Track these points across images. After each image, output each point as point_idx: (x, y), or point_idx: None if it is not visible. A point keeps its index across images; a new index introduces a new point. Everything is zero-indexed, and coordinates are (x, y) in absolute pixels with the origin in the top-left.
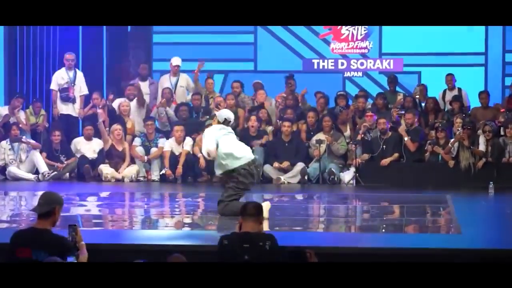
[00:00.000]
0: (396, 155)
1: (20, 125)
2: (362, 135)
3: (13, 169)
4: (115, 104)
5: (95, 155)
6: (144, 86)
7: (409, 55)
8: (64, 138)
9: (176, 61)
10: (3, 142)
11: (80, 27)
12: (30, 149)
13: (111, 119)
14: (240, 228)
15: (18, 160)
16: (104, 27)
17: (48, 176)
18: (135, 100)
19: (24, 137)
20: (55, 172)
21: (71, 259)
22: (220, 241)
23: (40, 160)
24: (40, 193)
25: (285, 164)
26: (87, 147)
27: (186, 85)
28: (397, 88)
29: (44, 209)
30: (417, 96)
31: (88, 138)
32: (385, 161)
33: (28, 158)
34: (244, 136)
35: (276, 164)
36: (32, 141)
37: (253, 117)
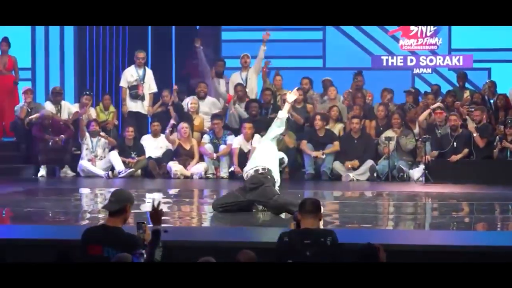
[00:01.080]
0: (466, 151)
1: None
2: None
3: (85, 163)
4: (184, 102)
5: (161, 151)
6: (222, 84)
7: (478, 50)
8: (136, 135)
9: (244, 53)
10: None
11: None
12: (106, 147)
13: (179, 116)
14: (297, 226)
15: (93, 155)
16: (174, 27)
17: (123, 174)
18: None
19: (102, 132)
20: (130, 170)
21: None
22: (280, 238)
23: (117, 159)
24: (111, 189)
25: (355, 163)
26: (154, 144)
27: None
28: (467, 85)
29: (115, 207)
30: (486, 93)
31: (155, 135)
32: (455, 158)
33: (106, 158)
34: (312, 137)
35: (347, 165)
36: (110, 138)
37: (317, 116)
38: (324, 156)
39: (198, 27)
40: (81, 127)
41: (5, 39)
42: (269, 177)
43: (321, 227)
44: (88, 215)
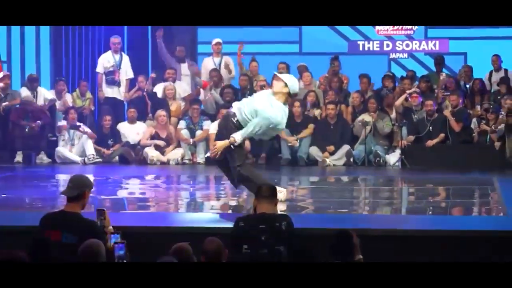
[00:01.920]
0: (442, 135)
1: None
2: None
3: (61, 150)
4: (159, 88)
5: (138, 137)
6: (184, 68)
7: (455, 39)
8: (113, 123)
9: (216, 40)
10: (63, 123)
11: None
12: (85, 138)
13: (154, 103)
14: (254, 210)
15: (70, 144)
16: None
17: (92, 160)
18: (179, 82)
19: (82, 125)
20: (100, 159)
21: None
22: (236, 223)
23: (89, 145)
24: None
25: (331, 148)
26: (131, 130)
27: (228, 66)
28: (444, 70)
29: (74, 193)
30: (462, 78)
31: (132, 121)
32: (431, 142)
33: (79, 142)
34: (289, 122)
35: (326, 153)
36: (89, 131)
37: (296, 103)
38: (298, 143)
39: None
40: (59, 127)
41: None
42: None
43: (278, 212)
44: (63, 201)
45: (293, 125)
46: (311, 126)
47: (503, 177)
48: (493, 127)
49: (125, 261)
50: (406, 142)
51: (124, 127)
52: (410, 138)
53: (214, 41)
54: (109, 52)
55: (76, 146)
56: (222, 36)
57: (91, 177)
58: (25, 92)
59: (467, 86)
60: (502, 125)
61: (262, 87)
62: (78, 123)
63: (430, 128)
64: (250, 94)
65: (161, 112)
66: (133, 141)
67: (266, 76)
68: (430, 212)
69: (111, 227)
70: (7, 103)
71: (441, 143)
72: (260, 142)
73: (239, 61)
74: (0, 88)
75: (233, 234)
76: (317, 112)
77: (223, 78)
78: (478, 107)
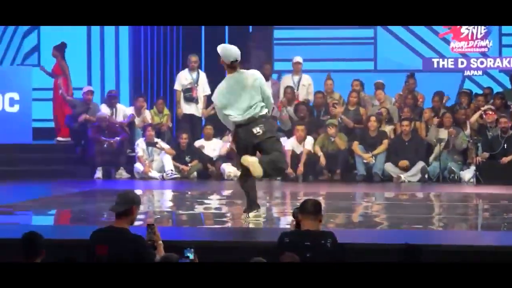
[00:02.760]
0: None
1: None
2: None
3: (140, 166)
4: None
5: (215, 154)
6: (268, 86)
7: None
8: (190, 139)
9: (297, 58)
10: (141, 140)
11: (203, 27)
12: (163, 154)
13: None
14: (297, 225)
15: (149, 160)
16: (226, 27)
17: (171, 175)
18: None
19: (159, 141)
20: (178, 175)
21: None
22: (280, 238)
23: (168, 160)
24: (165, 191)
25: (404, 163)
26: (208, 147)
27: (308, 84)
28: None
29: (122, 208)
30: None
31: (208, 138)
32: (506, 159)
33: (158, 158)
34: (363, 136)
35: (401, 166)
36: (167, 147)
37: (372, 118)
38: (373, 160)
39: (250, 29)
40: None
41: (55, 47)
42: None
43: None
44: (142, 216)
45: (368, 140)
46: (385, 142)
47: None
48: None
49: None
50: (481, 159)
51: (200, 144)
52: (484, 155)
53: (294, 60)
54: (186, 70)
55: (155, 162)
56: (298, 53)
57: (169, 193)
58: (104, 109)
59: None
60: None
61: (334, 105)
62: (156, 140)
63: (505, 145)
64: (325, 112)
65: None
66: (211, 156)
67: (341, 93)
68: (504, 228)
69: (161, 242)
70: (87, 116)
71: None
72: (334, 159)
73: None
74: (84, 101)
75: (278, 248)
76: (388, 128)
77: (301, 95)
78: None
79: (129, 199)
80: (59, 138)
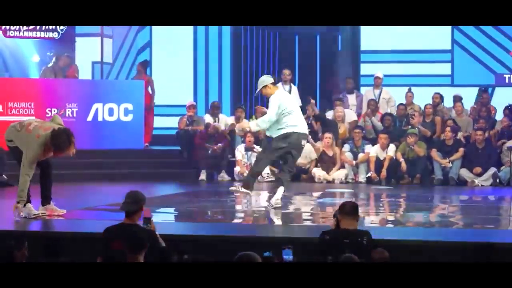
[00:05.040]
0: None
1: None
2: None
3: (238, 169)
4: (329, 113)
5: (308, 160)
6: (351, 99)
7: None
8: None
9: (378, 74)
10: (241, 146)
11: (296, 45)
12: None
13: (324, 125)
14: (337, 225)
15: (248, 164)
16: (318, 47)
17: (267, 178)
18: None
19: (256, 147)
20: (273, 178)
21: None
22: (321, 235)
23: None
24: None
25: (478, 170)
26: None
27: (388, 97)
28: None
29: (133, 208)
30: None
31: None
32: None
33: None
34: (441, 146)
35: (475, 172)
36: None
37: (448, 128)
38: (450, 165)
39: (339, 48)
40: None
41: (140, 63)
42: None
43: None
44: (241, 214)
45: (445, 148)
46: (461, 150)
47: None
48: None
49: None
50: None
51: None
52: None
53: (375, 75)
54: (280, 83)
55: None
56: (381, 69)
57: (265, 193)
58: (208, 119)
59: None
60: None
61: (412, 116)
62: (253, 145)
63: None
64: (406, 122)
65: (327, 134)
66: (302, 164)
67: (420, 104)
68: None
69: (157, 234)
70: (193, 127)
71: None
72: (414, 165)
73: None
74: (188, 116)
75: (319, 245)
76: (459, 134)
77: (381, 107)
78: None
79: (138, 198)
80: (147, 144)
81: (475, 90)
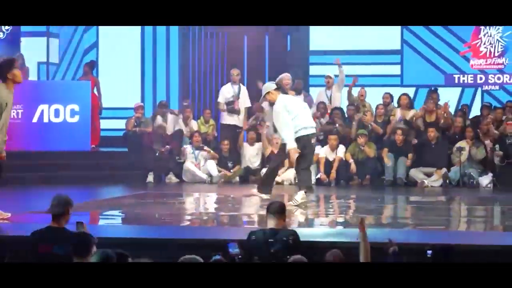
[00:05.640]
0: None
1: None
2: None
3: (189, 165)
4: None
5: (258, 158)
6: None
7: None
8: (231, 146)
9: (329, 73)
10: (188, 147)
11: (245, 45)
12: (207, 158)
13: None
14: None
15: (197, 163)
16: (267, 46)
17: (218, 180)
18: None
19: (205, 146)
20: (222, 179)
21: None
22: (248, 236)
23: (213, 166)
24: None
25: (431, 170)
26: (251, 151)
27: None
28: None
29: (58, 210)
30: None
31: (251, 144)
32: None
33: (204, 166)
34: (392, 146)
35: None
36: (212, 151)
37: (398, 131)
38: (390, 162)
39: (288, 48)
40: (183, 152)
41: (87, 63)
42: None
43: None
44: (189, 217)
45: (396, 149)
46: (410, 157)
47: None
48: None
49: (240, 256)
50: (497, 156)
51: (245, 148)
52: (499, 153)
53: (326, 75)
54: (229, 84)
55: (202, 168)
56: (331, 70)
57: (214, 196)
58: (159, 120)
59: None
60: None
61: (365, 113)
62: (202, 145)
63: None
64: (359, 125)
65: (276, 135)
66: (252, 164)
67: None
68: None
69: None
70: (141, 128)
71: None
72: (364, 166)
73: (349, 91)
74: (135, 117)
75: (246, 246)
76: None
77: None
78: None
79: (64, 201)
80: (93, 146)
81: (425, 90)
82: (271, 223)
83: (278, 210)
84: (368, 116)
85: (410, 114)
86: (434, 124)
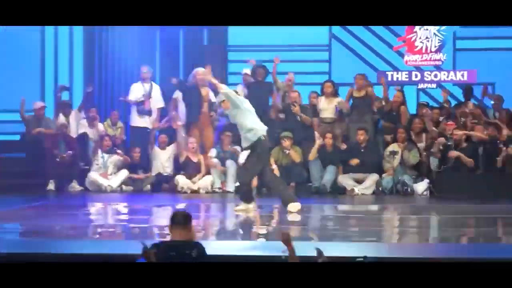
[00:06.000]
0: (470, 160)
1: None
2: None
3: (93, 175)
4: None
5: (170, 162)
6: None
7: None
8: (142, 152)
9: (246, 70)
10: (99, 151)
11: (157, 39)
12: (118, 164)
13: (187, 128)
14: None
15: (104, 171)
16: (181, 40)
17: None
18: None
19: (119, 150)
20: (131, 187)
21: None
22: (150, 248)
23: (123, 175)
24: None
25: (355, 161)
26: (163, 156)
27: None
28: (472, 100)
29: None
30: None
31: (163, 148)
32: (454, 153)
33: (117, 176)
34: (322, 154)
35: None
36: (125, 156)
37: (328, 135)
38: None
39: (205, 42)
40: (96, 144)
41: None
42: None
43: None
44: (94, 230)
45: (325, 155)
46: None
47: None
48: None
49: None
50: (440, 143)
51: (156, 153)
52: (441, 140)
53: (243, 71)
54: (139, 82)
55: (113, 178)
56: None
57: (124, 206)
58: (61, 120)
59: (496, 115)
60: None
61: (293, 103)
62: (115, 148)
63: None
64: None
65: (191, 139)
66: (164, 170)
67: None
68: (458, 241)
69: None
70: (43, 130)
71: (471, 171)
72: (289, 172)
73: (274, 72)
74: (36, 117)
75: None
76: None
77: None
78: (505, 131)
79: None
80: None
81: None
82: (175, 235)
83: (182, 220)
84: (297, 107)
85: (334, 102)
86: (364, 127)
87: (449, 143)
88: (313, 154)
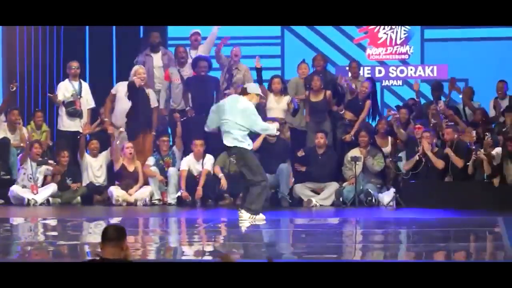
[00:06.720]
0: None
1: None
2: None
3: (16, 189)
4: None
5: (102, 171)
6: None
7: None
8: (71, 159)
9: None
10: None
11: (87, 32)
12: (48, 173)
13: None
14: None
15: (32, 182)
16: (114, 33)
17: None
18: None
19: (51, 160)
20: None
21: None
22: None
23: (52, 189)
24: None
25: (320, 187)
26: (95, 164)
27: None
28: (442, 98)
29: None
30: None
31: (94, 155)
32: (407, 167)
33: (46, 188)
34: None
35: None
36: (58, 166)
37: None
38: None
39: (141, 34)
40: (26, 152)
41: None
42: None
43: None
44: (17, 248)
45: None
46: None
47: (509, 215)
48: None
49: None
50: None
51: (87, 161)
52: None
53: (192, 32)
54: (67, 80)
55: (42, 190)
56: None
57: (51, 221)
58: None
59: (466, 111)
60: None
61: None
62: (46, 158)
63: (428, 163)
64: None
65: (128, 144)
66: (96, 179)
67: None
68: (427, 257)
69: None
70: None
71: (441, 179)
72: (237, 181)
73: (218, 49)
74: None
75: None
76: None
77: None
78: (474, 132)
79: None
80: None
81: None
82: (107, 253)
83: (115, 235)
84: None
85: (283, 100)
86: (323, 131)
87: (419, 147)
88: (258, 143)
